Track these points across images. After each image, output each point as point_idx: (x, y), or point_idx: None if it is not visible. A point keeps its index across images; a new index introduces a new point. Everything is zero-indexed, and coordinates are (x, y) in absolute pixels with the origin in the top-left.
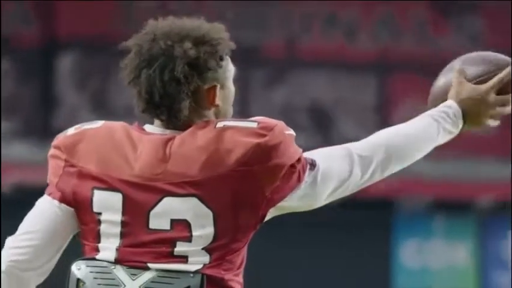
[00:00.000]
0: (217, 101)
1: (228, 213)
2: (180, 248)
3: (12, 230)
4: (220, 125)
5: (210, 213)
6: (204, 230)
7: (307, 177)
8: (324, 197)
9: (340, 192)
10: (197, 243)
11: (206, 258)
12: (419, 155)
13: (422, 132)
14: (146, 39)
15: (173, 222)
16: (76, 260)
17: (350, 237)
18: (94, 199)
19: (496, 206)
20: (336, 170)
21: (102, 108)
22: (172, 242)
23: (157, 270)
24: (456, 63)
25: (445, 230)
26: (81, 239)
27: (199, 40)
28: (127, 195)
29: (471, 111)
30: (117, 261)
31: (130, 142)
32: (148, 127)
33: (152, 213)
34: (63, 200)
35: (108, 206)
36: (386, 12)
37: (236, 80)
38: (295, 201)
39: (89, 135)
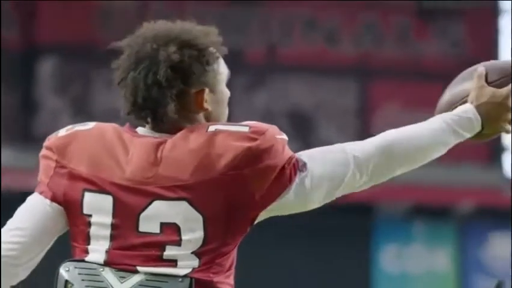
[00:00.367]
0: (206, 105)
1: (218, 217)
2: (169, 251)
3: None
4: (212, 129)
5: (200, 217)
6: (193, 234)
7: (298, 178)
8: (317, 197)
9: (337, 193)
10: (186, 247)
11: (195, 262)
12: (425, 157)
13: (427, 135)
14: (136, 42)
15: (163, 225)
16: (65, 262)
17: (330, 242)
18: (84, 201)
19: (476, 211)
20: (328, 170)
21: (83, 113)
22: (162, 246)
23: (145, 273)
24: (465, 74)
25: (425, 235)
26: (71, 241)
27: (185, 44)
28: (118, 198)
29: (490, 115)
30: (106, 264)
31: (121, 144)
32: (140, 130)
33: (142, 216)
34: (54, 199)
35: (98, 208)
36: (367, 17)
37: None
38: (286, 203)
39: (80, 136)
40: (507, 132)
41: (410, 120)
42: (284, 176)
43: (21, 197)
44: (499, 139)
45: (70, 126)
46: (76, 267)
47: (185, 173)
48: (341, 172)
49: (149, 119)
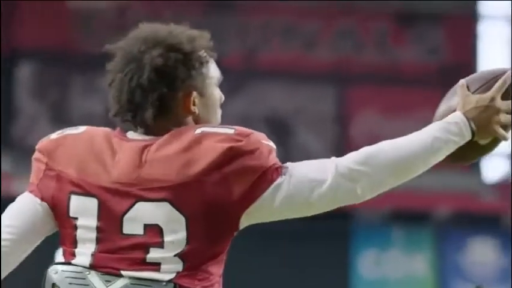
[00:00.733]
0: (194, 109)
1: (199, 217)
2: (153, 254)
3: None
4: (198, 131)
5: (182, 219)
6: (176, 235)
7: (278, 181)
8: (298, 202)
9: (321, 199)
10: (169, 249)
11: (179, 266)
12: (416, 165)
13: (415, 142)
14: (127, 43)
15: (146, 227)
16: (53, 264)
17: (308, 247)
18: (71, 204)
19: (454, 217)
20: (309, 175)
21: (61, 118)
22: (146, 248)
23: (130, 277)
24: (455, 88)
25: (404, 240)
26: (60, 243)
27: (171, 47)
28: (102, 201)
29: (480, 120)
30: (92, 267)
31: (109, 148)
32: (130, 134)
33: (125, 218)
34: (43, 200)
35: (84, 211)
36: (345, 23)
37: None
38: (267, 206)
39: (70, 140)
40: (504, 138)
41: (388, 126)
42: (266, 179)
43: None
44: None
45: (61, 130)
46: (63, 270)
47: (167, 174)
48: (320, 177)
49: (132, 122)
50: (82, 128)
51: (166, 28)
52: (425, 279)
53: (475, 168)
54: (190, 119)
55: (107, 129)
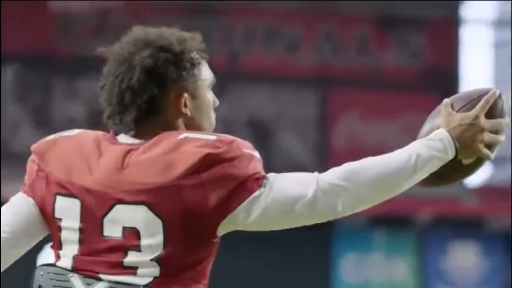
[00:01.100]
0: (185, 110)
1: (177, 222)
2: (130, 257)
3: None
4: (181, 136)
5: (159, 222)
6: (153, 239)
7: (257, 193)
8: (275, 215)
9: (300, 213)
10: (146, 252)
11: (156, 270)
12: (400, 185)
13: (397, 157)
14: (120, 46)
15: (125, 230)
16: (40, 265)
17: (290, 252)
18: (56, 205)
19: (436, 221)
20: (288, 188)
21: (43, 122)
22: (124, 251)
23: (109, 281)
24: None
25: (385, 244)
26: (51, 245)
27: (161, 48)
28: (84, 202)
29: (463, 138)
30: (73, 270)
31: (96, 151)
32: (120, 137)
33: (105, 220)
34: (35, 200)
35: (67, 212)
36: (327, 27)
37: None
38: (244, 217)
39: (61, 142)
40: (488, 157)
41: (370, 129)
42: (244, 189)
43: None
44: None
45: (58, 133)
46: (48, 272)
47: (146, 177)
48: (301, 192)
49: (122, 123)
50: (75, 131)
51: (157, 30)
52: (407, 284)
53: None
54: (181, 121)
55: (99, 133)
